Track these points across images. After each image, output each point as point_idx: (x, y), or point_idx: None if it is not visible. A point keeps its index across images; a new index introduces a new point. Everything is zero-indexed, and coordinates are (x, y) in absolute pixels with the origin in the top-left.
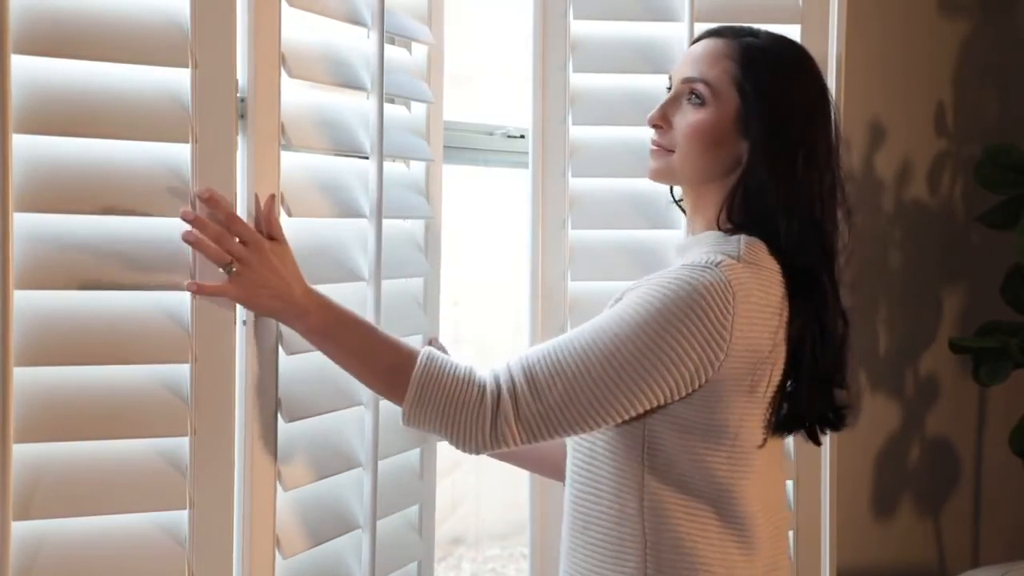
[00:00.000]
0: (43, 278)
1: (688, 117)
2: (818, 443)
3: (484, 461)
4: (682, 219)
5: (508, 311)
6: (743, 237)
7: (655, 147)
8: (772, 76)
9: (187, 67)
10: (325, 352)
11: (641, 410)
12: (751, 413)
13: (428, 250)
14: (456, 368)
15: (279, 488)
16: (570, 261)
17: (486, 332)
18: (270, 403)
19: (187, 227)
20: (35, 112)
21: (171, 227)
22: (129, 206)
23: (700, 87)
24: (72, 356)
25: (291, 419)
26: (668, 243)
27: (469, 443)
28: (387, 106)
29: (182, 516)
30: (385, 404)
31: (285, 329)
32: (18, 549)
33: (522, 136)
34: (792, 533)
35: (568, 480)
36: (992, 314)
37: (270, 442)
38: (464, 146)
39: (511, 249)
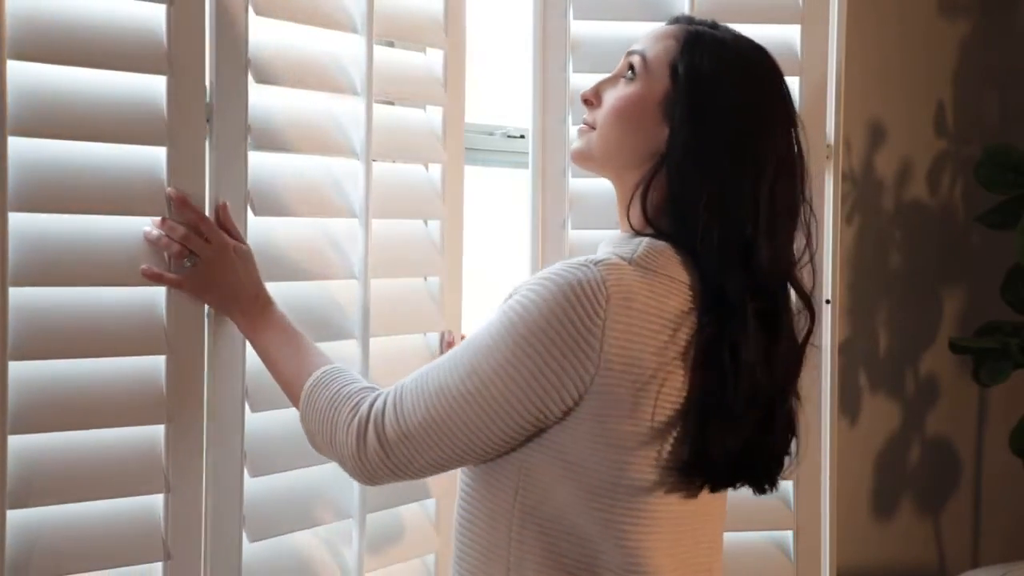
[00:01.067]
0: (27, 275)
1: (615, 91)
2: (760, 492)
3: None
4: None
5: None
6: (648, 240)
7: (581, 126)
8: (710, 63)
9: (164, 74)
10: (257, 353)
11: (512, 434)
12: (638, 445)
13: (445, 249)
14: (346, 388)
15: (246, 474)
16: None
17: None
18: (237, 392)
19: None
20: (20, 116)
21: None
22: (109, 206)
23: (635, 59)
24: (57, 351)
25: (257, 409)
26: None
27: (345, 465)
28: (393, 108)
29: (159, 500)
30: None
31: None
32: (8, 535)
33: (522, 136)
34: (792, 533)
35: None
36: (992, 314)
37: (236, 430)
38: (464, 146)
39: (511, 249)
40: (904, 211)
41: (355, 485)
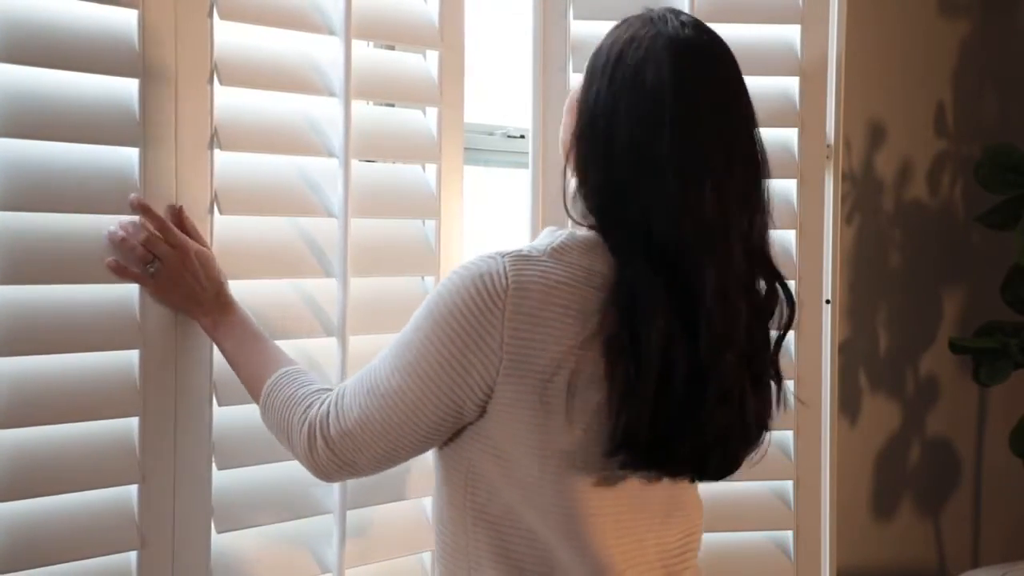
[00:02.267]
0: (3, 274)
1: None
2: (695, 480)
3: None
4: None
5: None
6: (569, 231)
7: None
8: (606, 40)
9: (136, 77)
10: (221, 353)
11: (435, 427)
12: (554, 433)
13: (441, 249)
14: (300, 390)
15: (214, 466)
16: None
17: None
18: (204, 386)
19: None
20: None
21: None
22: (84, 206)
23: None
24: (33, 347)
25: (225, 403)
26: None
27: (302, 463)
28: (383, 109)
29: (133, 491)
30: None
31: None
32: None
33: (522, 136)
34: (792, 533)
35: None
36: (992, 314)
37: (203, 423)
38: (464, 146)
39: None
40: (904, 211)
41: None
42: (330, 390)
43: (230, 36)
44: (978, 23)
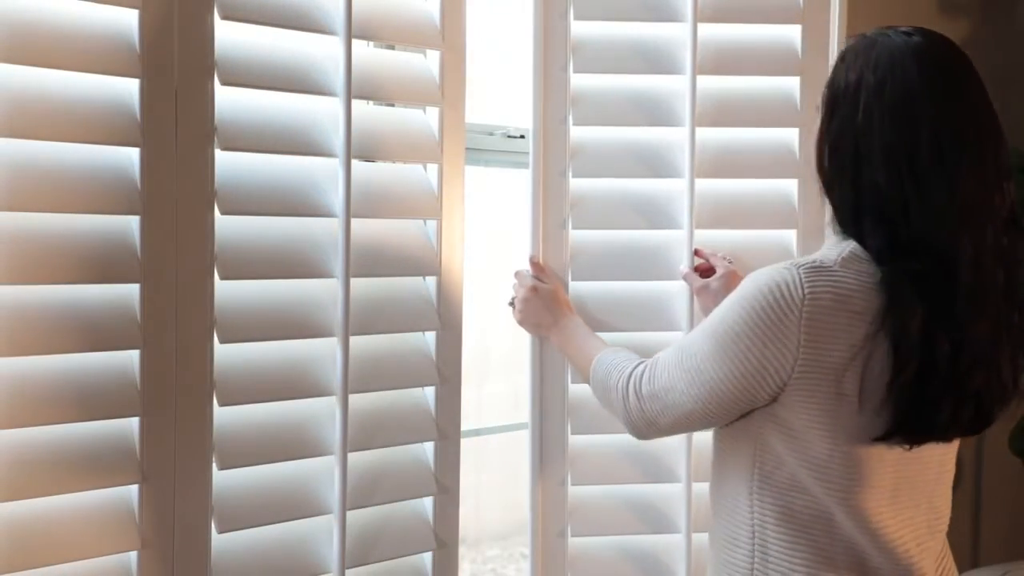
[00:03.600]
0: (3, 273)
1: None
2: (973, 434)
3: (483, 460)
4: (683, 220)
5: (508, 311)
6: (854, 243)
7: None
8: (842, 70)
9: (136, 77)
10: (565, 357)
11: (727, 408)
12: (846, 420)
13: (441, 249)
14: (617, 359)
15: (214, 466)
16: (571, 261)
17: (486, 330)
18: (204, 386)
19: None
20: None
21: (123, 225)
22: (84, 205)
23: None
24: (35, 346)
25: (225, 403)
26: (668, 243)
27: (619, 418)
28: (383, 109)
29: (133, 490)
30: (355, 397)
31: (218, 315)
32: None
33: (522, 136)
34: None
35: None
36: None
37: (204, 423)
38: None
39: (512, 249)
40: None
41: (335, 483)
42: (641, 360)
43: (230, 36)
44: (978, 23)
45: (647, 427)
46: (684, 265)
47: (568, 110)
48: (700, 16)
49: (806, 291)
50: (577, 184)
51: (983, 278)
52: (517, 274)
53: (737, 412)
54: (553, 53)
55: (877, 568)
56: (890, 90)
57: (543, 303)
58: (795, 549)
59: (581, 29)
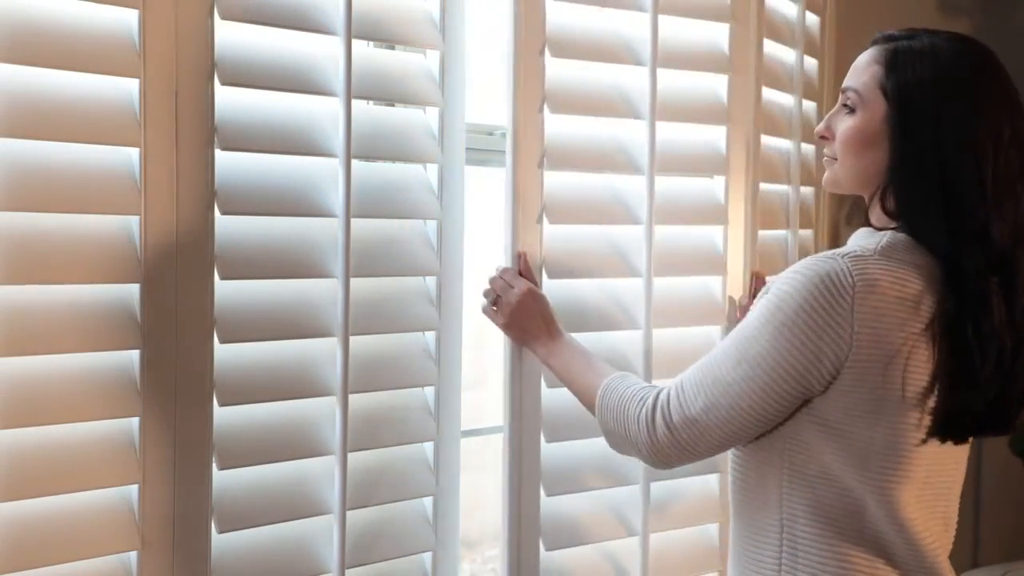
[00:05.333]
0: (3, 273)
1: (841, 125)
2: (1001, 434)
3: (483, 460)
4: (643, 215)
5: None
6: (889, 232)
7: (824, 158)
8: (912, 75)
9: (136, 77)
10: (553, 373)
11: (782, 408)
12: (891, 411)
13: (441, 250)
14: (631, 388)
15: (214, 466)
16: (544, 256)
17: (485, 329)
18: (204, 386)
19: None
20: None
21: (123, 225)
22: (84, 205)
23: (850, 95)
24: (36, 346)
25: (225, 403)
26: (641, 238)
27: (641, 452)
28: (383, 109)
29: (133, 490)
30: (355, 397)
31: (218, 315)
32: None
33: None
34: None
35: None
36: None
37: (204, 424)
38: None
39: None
40: None
41: (335, 483)
42: (656, 387)
43: (230, 36)
44: (978, 23)
45: (680, 456)
46: (744, 297)
47: (542, 103)
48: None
49: (856, 278)
50: (552, 178)
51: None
52: (505, 271)
53: (790, 410)
54: (529, 44)
55: (904, 562)
56: (970, 98)
57: (540, 310)
58: (825, 543)
59: (558, 18)
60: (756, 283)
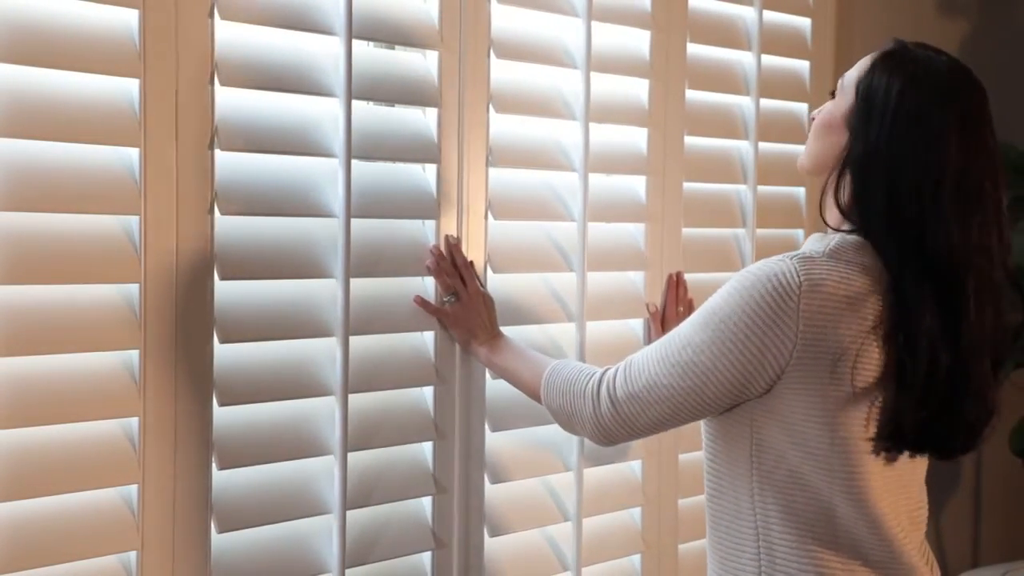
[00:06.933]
0: (4, 273)
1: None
2: (945, 459)
3: None
4: (576, 211)
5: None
6: (840, 235)
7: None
8: (886, 77)
9: (136, 77)
10: (497, 374)
11: (719, 399)
12: (844, 408)
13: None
14: (576, 368)
15: (214, 466)
16: (489, 253)
17: None
18: (204, 386)
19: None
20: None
21: (124, 225)
22: (84, 205)
23: (838, 83)
24: (35, 346)
25: (225, 403)
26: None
27: (585, 427)
28: (383, 109)
29: (133, 490)
30: (355, 397)
31: (218, 315)
32: None
33: None
34: None
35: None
36: None
37: (204, 422)
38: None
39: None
40: None
41: (335, 482)
42: (607, 367)
43: (230, 36)
44: (977, 23)
45: (620, 429)
46: (656, 304)
47: (488, 97)
48: (594, 15)
49: (802, 278)
50: (495, 174)
51: (983, 316)
52: (466, 268)
53: (728, 404)
54: (476, 42)
55: (878, 561)
56: (929, 117)
57: (488, 312)
58: (803, 548)
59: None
60: (679, 286)
